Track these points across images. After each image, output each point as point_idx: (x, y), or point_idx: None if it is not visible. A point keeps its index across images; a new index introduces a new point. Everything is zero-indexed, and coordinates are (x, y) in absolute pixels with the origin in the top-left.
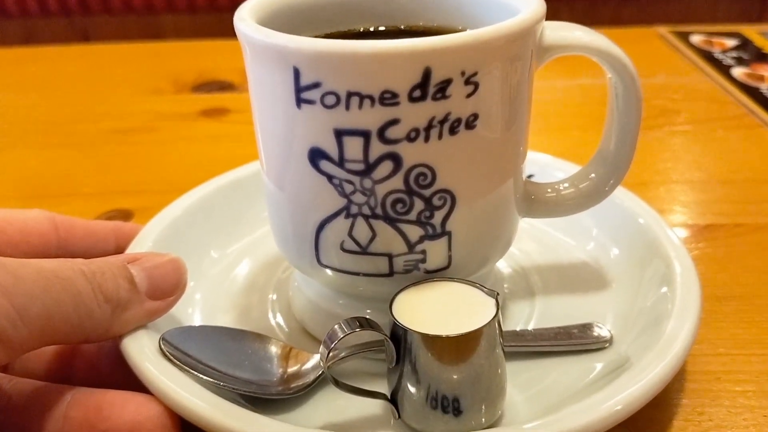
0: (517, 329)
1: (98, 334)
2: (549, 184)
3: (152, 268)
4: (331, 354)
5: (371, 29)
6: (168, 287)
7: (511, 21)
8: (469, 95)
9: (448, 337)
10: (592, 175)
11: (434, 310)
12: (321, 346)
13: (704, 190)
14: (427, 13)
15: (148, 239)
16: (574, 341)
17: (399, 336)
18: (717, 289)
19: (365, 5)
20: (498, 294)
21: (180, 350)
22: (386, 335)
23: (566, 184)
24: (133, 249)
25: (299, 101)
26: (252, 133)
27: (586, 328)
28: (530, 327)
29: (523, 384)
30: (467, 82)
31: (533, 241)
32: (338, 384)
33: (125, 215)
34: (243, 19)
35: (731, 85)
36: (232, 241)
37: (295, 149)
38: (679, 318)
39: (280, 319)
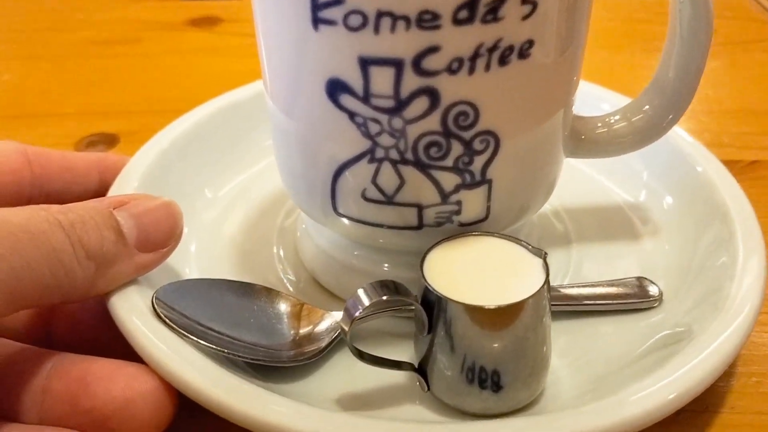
0: (554, 284)
1: (80, 294)
2: (599, 118)
3: (142, 215)
4: (353, 325)
5: None
6: (161, 237)
7: None
8: (525, 17)
9: (491, 309)
10: (647, 107)
11: (472, 272)
12: (342, 315)
13: (748, 121)
14: None
15: (135, 175)
16: (620, 299)
17: (431, 302)
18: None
19: None
20: (546, 254)
21: (176, 311)
22: (417, 301)
23: (617, 117)
24: (118, 187)
25: (316, 21)
26: (250, 46)
27: (633, 283)
28: (566, 281)
29: (564, 349)
30: (524, 1)
31: (571, 183)
32: (362, 356)
33: (109, 140)
34: None
35: None
36: (231, 176)
37: (310, 79)
38: (741, 282)
39: (287, 268)
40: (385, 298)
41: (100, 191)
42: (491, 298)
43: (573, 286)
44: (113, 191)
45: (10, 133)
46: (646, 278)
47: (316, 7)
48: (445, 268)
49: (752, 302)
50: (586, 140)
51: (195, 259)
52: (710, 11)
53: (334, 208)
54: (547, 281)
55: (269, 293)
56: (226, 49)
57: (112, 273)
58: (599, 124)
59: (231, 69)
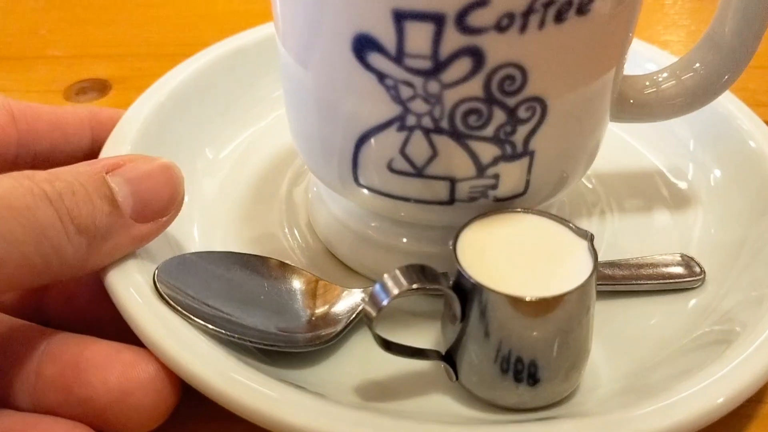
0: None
1: (71, 272)
2: (646, 77)
3: (139, 180)
4: (380, 314)
5: None
6: (160, 204)
7: None
8: None
9: (535, 301)
10: (697, 64)
11: (510, 255)
12: (368, 301)
13: None
14: None
15: (130, 131)
16: (660, 279)
17: (465, 290)
18: None
19: None
20: (593, 236)
21: (180, 289)
22: (450, 289)
23: (665, 75)
24: (112, 145)
25: None
26: None
27: (674, 260)
28: (601, 256)
29: (601, 334)
30: None
31: (605, 148)
32: (389, 346)
33: (101, 87)
34: None
35: None
36: (235, 132)
37: (333, 34)
38: None
39: (299, 237)
40: (415, 286)
41: (93, 150)
42: (533, 287)
43: (609, 265)
44: (106, 151)
45: None
46: (687, 255)
47: None
48: (480, 251)
49: None
50: (635, 104)
51: (197, 227)
52: None
53: (355, 179)
54: (595, 268)
55: (282, 267)
56: None
57: (106, 247)
58: (647, 83)
59: (236, 8)
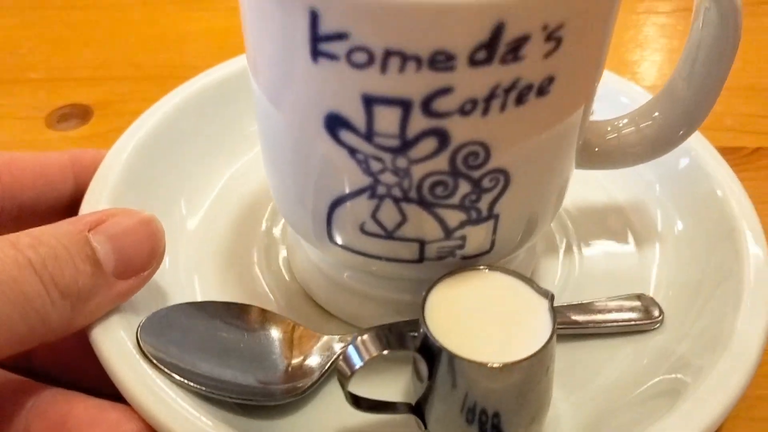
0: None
1: (56, 335)
2: (608, 122)
3: (121, 236)
4: (351, 377)
5: None
6: (141, 260)
7: None
8: (547, 54)
9: (497, 367)
10: (656, 113)
11: (476, 316)
12: (339, 365)
13: (753, 100)
14: None
15: (111, 176)
16: (621, 322)
17: (433, 351)
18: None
19: None
20: (552, 296)
21: (163, 346)
22: (416, 351)
23: (626, 121)
24: (94, 192)
25: (316, 53)
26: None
27: (634, 303)
28: (566, 294)
29: (563, 379)
30: (548, 38)
31: (577, 184)
32: (359, 404)
33: (83, 113)
34: None
35: None
36: (215, 171)
37: (307, 111)
38: (747, 314)
39: (277, 279)
40: (385, 352)
41: (76, 195)
42: (496, 350)
43: (573, 308)
44: (89, 198)
45: None
46: (647, 296)
47: (315, 39)
48: (446, 312)
49: (757, 340)
50: (600, 152)
51: (179, 267)
52: (739, 19)
53: (329, 236)
54: (553, 331)
55: (261, 315)
56: (204, 0)
57: (89, 307)
58: (609, 128)
59: (218, 25)
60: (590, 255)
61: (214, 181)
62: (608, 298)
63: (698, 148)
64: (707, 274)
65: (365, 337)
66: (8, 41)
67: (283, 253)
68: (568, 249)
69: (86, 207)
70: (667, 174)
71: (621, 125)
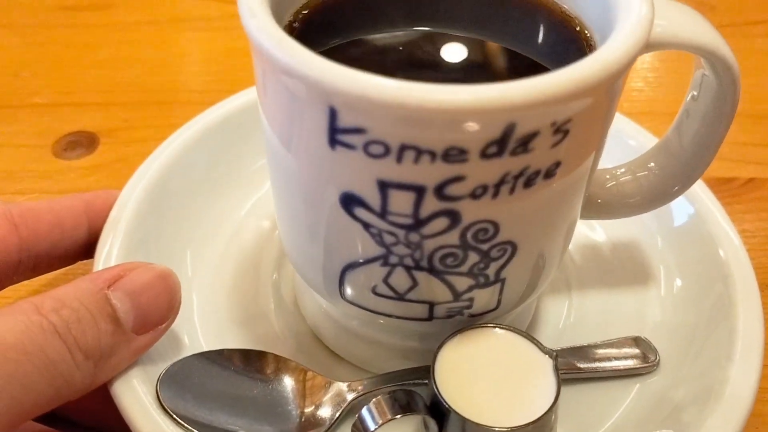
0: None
1: (80, 393)
2: (607, 170)
3: (139, 293)
4: None
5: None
6: (159, 314)
7: (619, 47)
8: (555, 144)
9: (503, 430)
10: (652, 164)
11: (483, 375)
12: (355, 426)
13: (746, 128)
14: None
15: (123, 222)
16: (617, 365)
17: (442, 410)
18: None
19: None
20: (557, 355)
21: (181, 396)
22: (427, 411)
23: (623, 170)
24: (107, 241)
25: (334, 142)
26: (224, 19)
27: (630, 349)
28: (563, 338)
29: (565, 424)
30: (556, 131)
31: (581, 226)
32: None
33: (89, 140)
34: (255, 16)
35: None
36: (225, 211)
37: (323, 187)
38: (740, 366)
39: (288, 321)
40: (398, 416)
41: (90, 240)
42: (503, 411)
43: (572, 351)
44: (101, 248)
45: None
46: (643, 338)
47: (334, 131)
48: (455, 371)
49: (749, 393)
50: (602, 203)
51: (192, 317)
52: (737, 93)
53: (341, 294)
54: (558, 393)
55: (273, 362)
56: (210, 20)
57: (111, 364)
58: (608, 176)
59: (219, 46)
60: (590, 296)
61: (225, 222)
62: (606, 341)
63: (698, 192)
64: (701, 317)
65: (379, 399)
66: (11, 63)
67: (292, 294)
68: (569, 290)
69: (99, 257)
70: (666, 219)
71: (619, 174)
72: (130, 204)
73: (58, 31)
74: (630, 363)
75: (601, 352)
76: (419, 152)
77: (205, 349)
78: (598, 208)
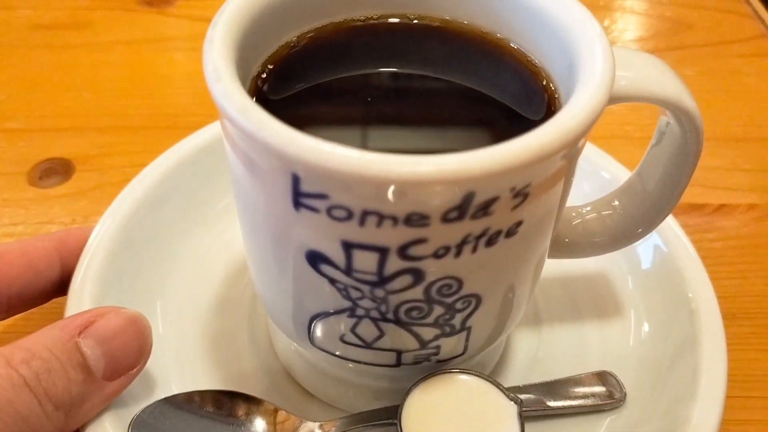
0: (519, 383)
1: None
2: (572, 209)
3: (110, 339)
4: None
5: (374, 19)
6: (129, 360)
7: (582, 109)
8: (515, 207)
9: None
10: (616, 202)
11: (450, 423)
12: None
13: (719, 152)
14: (441, 2)
15: (95, 262)
16: (584, 401)
17: None
18: (728, 303)
19: None
20: (521, 402)
21: None
22: None
23: (588, 208)
24: (77, 285)
25: (298, 204)
26: (203, 39)
27: (596, 385)
28: (535, 363)
29: None
30: (516, 195)
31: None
32: None
33: (64, 168)
34: (220, 80)
35: None
36: (195, 244)
37: (290, 246)
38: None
39: (261, 358)
40: None
41: (62, 279)
42: None
43: (539, 387)
44: (73, 292)
45: None
46: (610, 373)
47: (297, 195)
48: (422, 418)
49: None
50: (569, 242)
51: (164, 357)
52: (701, 143)
53: (311, 341)
54: None
55: (245, 404)
56: (182, 40)
57: (81, 412)
58: (573, 215)
59: (195, 69)
60: (559, 330)
61: (197, 259)
62: (574, 376)
63: (668, 228)
64: (667, 354)
65: None
66: None
67: (265, 331)
68: (539, 324)
69: (71, 299)
70: (636, 257)
71: (584, 212)
72: (102, 243)
73: (32, 51)
74: (597, 399)
75: (569, 387)
76: (381, 217)
77: (176, 390)
78: (565, 247)
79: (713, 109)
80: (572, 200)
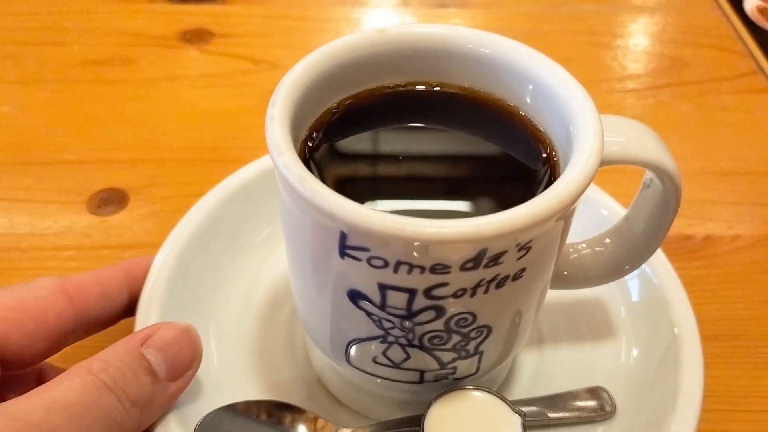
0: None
1: None
2: (570, 245)
3: (167, 346)
4: None
5: (401, 86)
6: (185, 363)
7: (575, 179)
8: (520, 258)
9: None
10: (607, 240)
11: (463, 429)
12: None
13: (707, 184)
14: (460, 72)
15: (157, 290)
16: (577, 413)
17: None
18: (710, 326)
19: (397, 61)
20: (525, 415)
21: None
22: None
23: (584, 245)
24: (144, 298)
25: (343, 254)
26: (243, 73)
27: (588, 400)
28: (537, 377)
29: None
30: (521, 249)
31: None
32: None
33: (119, 198)
34: (282, 154)
35: (740, 22)
36: (246, 272)
37: (334, 284)
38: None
39: (299, 371)
40: None
41: (130, 303)
42: None
43: (540, 401)
44: (140, 310)
45: (19, 182)
46: (603, 389)
47: (344, 247)
48: (441, 427)
49: None
50: (568, 275)
51: (216, 370)
52: (679, 197)
53: (346, 359)
54: None
55: (290, 413)
56: (221, 76)
57: (152, 409)
58: (571, 250)
59: (230, 105)
60: (559, 350)
61: (243, 283)
62: (572, 391)
63: (657, 262)
64: (651, 374)
65: None
66: (44, 119)
67: (302, 347)
68: (541, 345)
69: (140, 320)
70: (628, 288)
71: (580, 248)
72: (162, 271)
73: (83, 86)
74: (591, 411)
75: (567, 401)
76: (411, 266)
77: (227, 398)
78: (564, 279)
79: (703, 143)
80: (575, 231)
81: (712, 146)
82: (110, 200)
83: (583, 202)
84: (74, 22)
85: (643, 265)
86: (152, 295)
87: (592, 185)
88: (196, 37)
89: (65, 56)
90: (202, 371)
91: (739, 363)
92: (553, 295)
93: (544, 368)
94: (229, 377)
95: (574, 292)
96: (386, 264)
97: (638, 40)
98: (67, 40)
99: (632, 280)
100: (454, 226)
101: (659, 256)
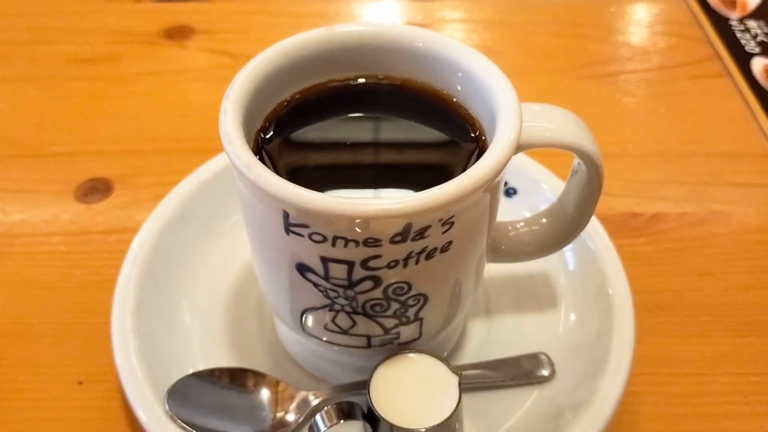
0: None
1: None
2: (509, 223)
3: None
4: None
5: (351, 79)
6: None
7: (490, 162)
8: (444, 231)
9: (422, 430)
10: (543, 220)
11: (406, 391)
12: (310, 429)
13: (658, 166)
14: (401, 65)
15: (136, 264)
16: (521, 375)
17: (375, 417)
18: (652, 296)
19: (345, 56)
20: (461, 374)
21: (183, 409)
22: (364, 417)
23: (521, 224)
24: (123, 275)
25: (288, 231)
26: (222, 67)
27: (529, 363)
28: (486, 345)
29: (476, 422)
30: (444, 223)
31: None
32: None
33: (104, 186)
34: (232, 143)
35: (701, 11)
36: (218, 254)
37: (284, 259)
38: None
39: (267, 343)
40: (342, 422)
41: None
42: (421, 416)
43: (485, 364)
44: (121, 279)
45: (12, 174)
46: (544, 354)
47: (288, 225)
48: (385, 388)
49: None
50: (505, 249)
51: (192, 341)
52: (602, 177)
53: (303, 329)
54: (459, 401)
55: (254, 377)
56: (202, 70)
57: None
58: (509, 228)
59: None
60: (505, 319)
61: (215, 263)
62: (514, 356)
63: (594, 233)
64: (587, 339)
65: (329, 408)
66: (34, 114)
67: (271, 323)
68: (489, 314)
69: (118, 295)
70: (568, 257)
71: (518, 226)
72: (141, 251)
73: (71, 83)
74: (532, 374)
75: (510, 365)
76: (347, 240)
77: (201, 367)
78: (503, 253)
79: (657, 126)
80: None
81: (666, 129)
82: (96, 189)
83: (536, 186)
84: (63, 22)
85: (584, 239)
86: (130, 273)
87: (531, 162)
88: (179, 33)
89: (54, 55)
90: (177, 343)
91: (676, 331)
92: (501, 269)
93: (492, 336)
94: (202, 347)
95: (521, 266)
96: (325, 239)
97: (597, 29)
98: (56, 39)
99: (571, 253)
100: (380, 203)
101: (597, 228)
